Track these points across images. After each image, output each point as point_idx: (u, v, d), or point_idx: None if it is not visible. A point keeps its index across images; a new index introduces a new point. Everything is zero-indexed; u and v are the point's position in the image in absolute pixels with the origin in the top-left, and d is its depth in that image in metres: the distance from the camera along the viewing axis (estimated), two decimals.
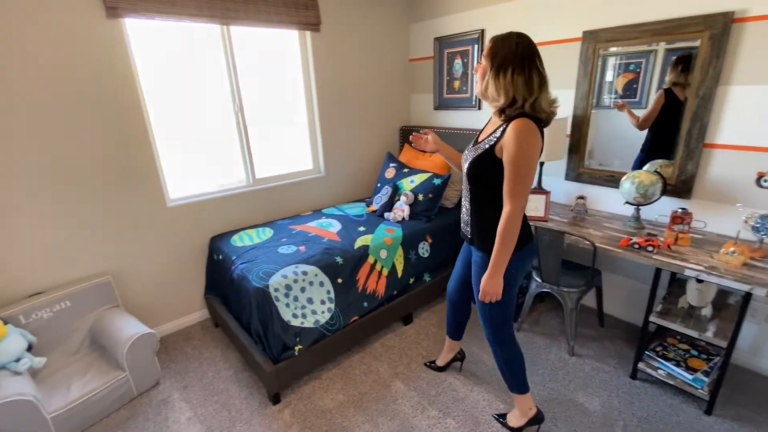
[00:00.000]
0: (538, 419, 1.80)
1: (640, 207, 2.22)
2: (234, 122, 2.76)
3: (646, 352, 2.12)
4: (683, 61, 2.06)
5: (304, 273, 2.14)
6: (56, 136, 2.05)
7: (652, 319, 1.99)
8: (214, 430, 1.90)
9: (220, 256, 2.49)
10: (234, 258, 2.34)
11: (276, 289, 2.03)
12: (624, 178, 2.14)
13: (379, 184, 3.17)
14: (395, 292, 2.54)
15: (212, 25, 2.51)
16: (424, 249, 2.68)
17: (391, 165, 3.19)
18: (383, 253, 2.47)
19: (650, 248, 1.93)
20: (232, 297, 2.32)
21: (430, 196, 2.81)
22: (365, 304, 2.36)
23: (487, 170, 1.40)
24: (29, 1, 1.86)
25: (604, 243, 2.06)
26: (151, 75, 2.35)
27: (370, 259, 2.41)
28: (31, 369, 1.92)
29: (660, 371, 2.02)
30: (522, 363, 1.72)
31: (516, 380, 1.74)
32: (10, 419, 1.64)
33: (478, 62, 1.46)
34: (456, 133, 3.22)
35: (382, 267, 2.46)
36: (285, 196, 3.06)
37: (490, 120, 1.54)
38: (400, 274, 2.54)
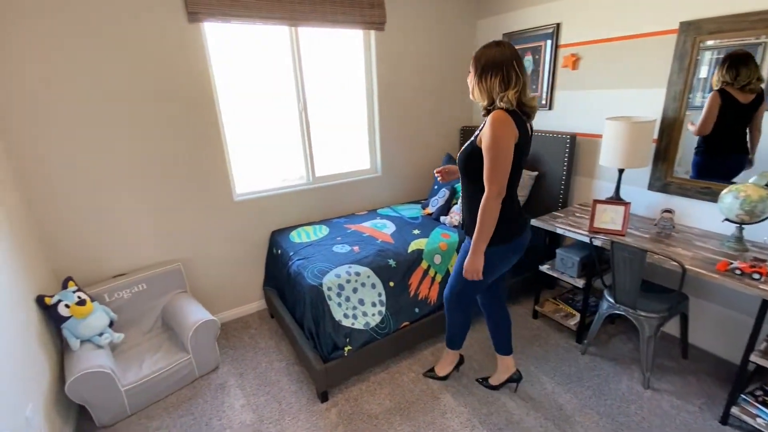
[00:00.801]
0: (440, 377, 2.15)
1: (743, 226, 1.90)
2: (297, 121, 2.83)
3: (742, 396, 1.81)
4: (740, 60, 1.93)
5: (357, 274, 2.13)
6: (146, 134, 2.24)
7: (753, 358, 1.69)
8: (265, 420, 1.96)
9: (279, 251, 2.58)
10: (291, 254, 2.40)
11: (329, 288, 2.04)
12: (725, 191, 1.84)
13: (436, 186, 3.08)
14: None
15: (281, 27, 2.59)
16: None
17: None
18: (437, 259, 2.38)
19: (756, 275, 1.64)
20: (287, 291, 2.39)
21: None
22: (416, 309, 2.30)
23: (472, 161, 1.54)
24: (121, 8, 2.04)
25: (696, 265, 1.79)
26: (222, 75, 2.49)
27: (424, 264, 2.34)
28: (111, 343, 2.12)
29: (759, 419, 1.72)
30: (462, 325, 2.00)
31: (451, 337, 2.07)
32: (90, 388, 1.82)
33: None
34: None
35: (436, 273, 2.38)
36: (342, 194, 3.09)
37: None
38: None
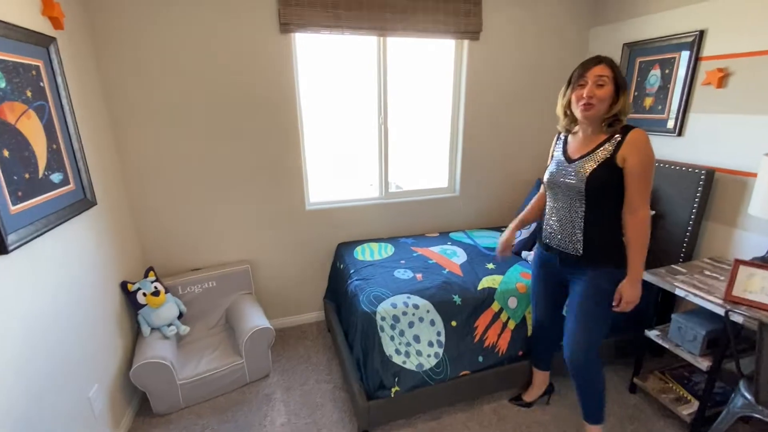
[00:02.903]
0: None
1: None
2: (376, 134, 2.74)
3: None
4: None
5: (415, 306, 1.92)
6: (233, 139, 2.34)
7: None
8: None
9: (342, 266, 2.49)
10: (352, 271, 2.28)
11: (383, 318, 1.87)
12: None
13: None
14: (521, 353, 2.08)
15: (369, 37, 2.53)
16: None
17: None
18: (513, 302, 2.05)
19: None
20: (344, 308, 2.28)
21: None
22: (480, 358, 2.00)
23: (609, 180, 1.45)
24: (218, 20, 2.15)
25: None
26: (305, 84, 2.50)
27: (495, 306, 2.03)
28: (177, 335, 2.24)
29: None
30: (604, 388, 1.71)
31: (596, 406, 1.72)
32: (150, 377, 1.91)
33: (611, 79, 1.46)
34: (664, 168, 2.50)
35: (509, 318, 2.05)
36: (414, 212, 2.91)
37: (565, 138, 1.65)
38: (530, 330, 2.07)
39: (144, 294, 2.10)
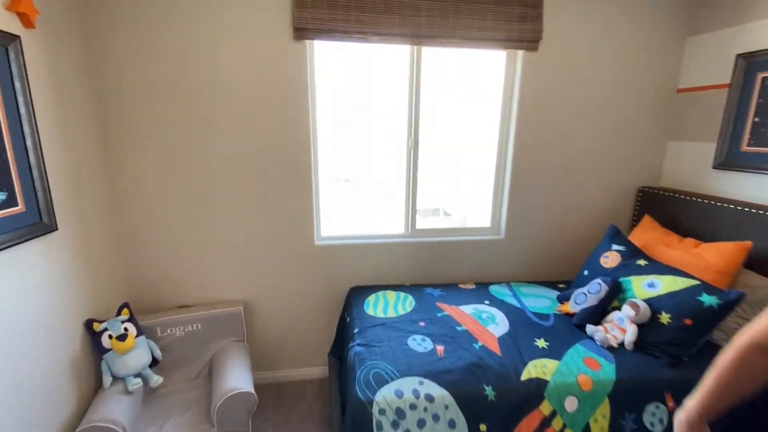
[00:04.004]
0: None
1: None
2: (404, 160, 2.29)
3: None
4: None
5: (429, 399, 1.38)
6: (232, 159, 2.02)
7: None
8: None
9: (349, 318, 2.02)
10: (356, 331, 1.81)
11: (382, 411, 1.36)
12: None
13: (586, 272, 2.08)
14: None
15: (399, 47, 2.13)
16: (657, 418, 1.47)
17: (615, 247, 2.04)
18: (571, 403, 1.44)
19: None
20: (343, 376, 1.79)
21: (688, 322, 1.56)
22: None
23: None
24: (225, 22, 1.87)
25: None
26: (322, 100, 2.13)
27: (545, 408, 1.43)
28: (147, 387, 1.88)
29: None
30: None
31: None
32: None
33: None
34: (759, 214, 1.80)
35: (564, 427, 1.43)
36: (446, 254, 2.38)
37: None
38: None
39: (110, 336, 1.78)
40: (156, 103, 1.89)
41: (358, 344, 1.70)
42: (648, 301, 1.70)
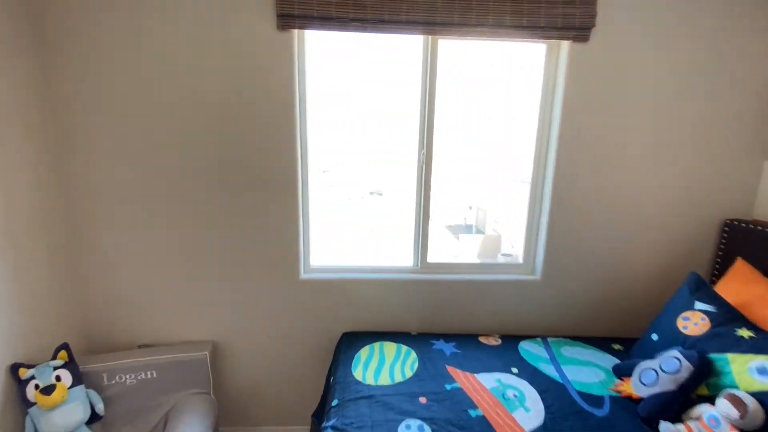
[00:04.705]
0: None
1: None
2: (414, 179, 1.86)
3: None
4: None
5: None
6: (207, 173, 1.68)
7: None
8: None
9: (332, 380, 1.58)
10: (335, 404, 1.36)
11: None
12: None
13: (655, 336, 1.53)
14: None
15: (410, 39, 1.72)
16: None
17: (700, 306, 1.45)
18: None
19: None
20: None
21: None
22: None
23: None
24: (192, 9, 1.54)
25: None
26: (315, 104, 1.76)
27: None
28: None
29: None
30: None
31: None
32: None
33: None
34: None
35: None
36: (464, 297, 1.90)
37: None
38: None
39: (36, 386, 1.45)
40: (111, 109, 1.59)
41: (334, 420, 1.25)
42: (759, 396, 1.14)
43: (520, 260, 1.98)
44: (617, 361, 1.62)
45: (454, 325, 1.90)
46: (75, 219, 1.68)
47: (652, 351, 1.49)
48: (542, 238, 1.88)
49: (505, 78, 1.95)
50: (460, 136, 1.95)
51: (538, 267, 1.91)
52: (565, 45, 1.70)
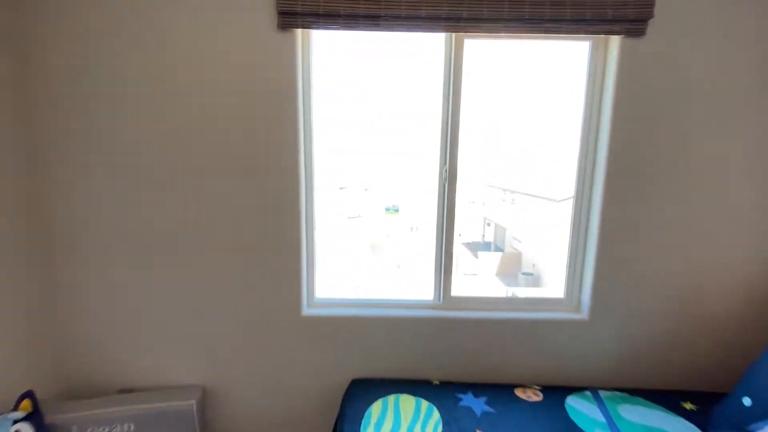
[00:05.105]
0: None
1: None
2: (435, 195, 1.61)
3: None
4: None
5: None
6: (198, 195, 1.47)
7: None
8: None
9: None
10: None
11: None
12: None
13: (747, 399, 1.19)
14: None
15: (431, 38, 1.50)
16: None
17: None
18: None
19: None
20: None
21: None
22: None
23: None
24: (185, 10, 1.36)
25: None
26: (322, 114, 1.54)
27: None
28: None
29: None
30: None
31: None
32: None
33: None
34: None
35: None
36: (497, 340, 1.60)
37: None
38: None
39: None
40: (92, 122, 1.41)
41: None
42: None
43: (563, 296, 1.67)
44: (693, 427, 1.28)
45: (484, 373, 1.60)
46: (48, 251, 1.49)
47: (742, 419, 1.16)
48: (589, 269, 1.57)
49: (536, 83, 1.69)
50: (480, 149, 1.69)
51: (584, 303, 1.60)
52: (616, 41, 1.43)
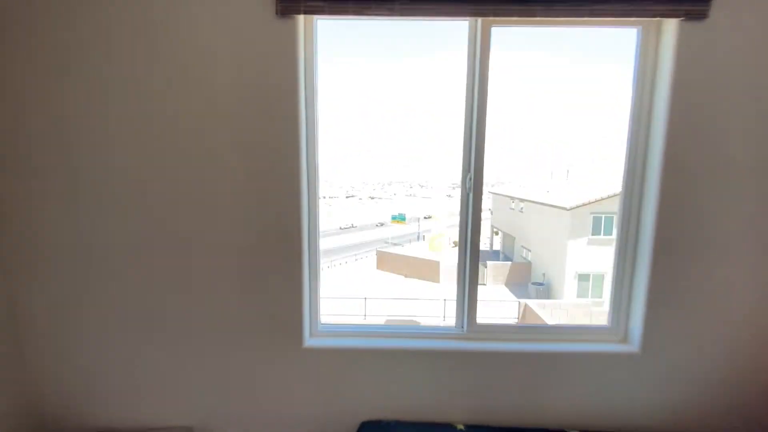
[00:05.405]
0: None
1: None
2: (458, 207, 1.39)
3: None
4: None
5: None
6: (185, 208, 1.28)
7: None
8: None
9: None
10: None
11: None
12: None
13: None
14: None
15: (453, 25, 1.30)
16: None
17: None
18: None
19: None
20: None
21: None
22: None
23: None
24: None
25: None
26: (324, 114, 1.33)
27: None
28: None
29: None
30: None
31: None
32: None
33: None
34: None
35: None
36: (529, 377, 1.36)
37: None
38: None
39: None
40: (64, 130, 1.23)
41: None
42: None
43: (607, 324, 1.44)
44: None
45: (515, 416, 1.36)
46: (13, 277, 1.30)
47: None
48: (641, 290, 1.34)
49: (582, 75, 1.47)
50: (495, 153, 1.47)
51: (634, 333, 1.37)
52: (671, 25, 1.22)
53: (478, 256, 1.40)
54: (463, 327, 1.42)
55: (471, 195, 1.36)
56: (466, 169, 1.37)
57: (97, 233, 1.27)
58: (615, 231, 1.39)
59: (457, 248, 1.46)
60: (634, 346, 1.36)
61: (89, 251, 1.28)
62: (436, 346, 1.37)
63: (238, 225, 1.28)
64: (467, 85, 1.32)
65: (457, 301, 1.44)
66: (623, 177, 1.35)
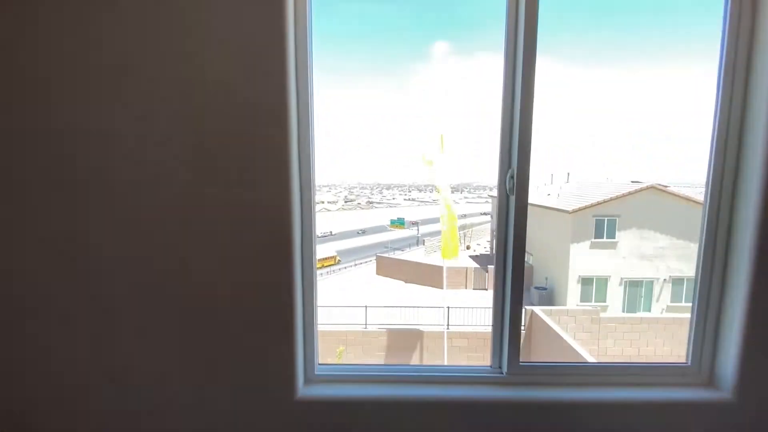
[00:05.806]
0: None
1: None
2: (495, 215, 1.08)
3: None
4: None
5: None
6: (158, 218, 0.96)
7: None
8: None
9: None
10: None
11: None
12: None
13: None
14: None
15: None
16: None
17: None
18: None
19: None
20: None
21: None
22: None
23: None
24: None
25: None
26: (323, 114, 1.03)
27: None
28: None
29: None
30: None
31: None
32: None
33: None
34: None
35: None
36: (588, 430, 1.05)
37: None
38: None
39: None
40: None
41: None
42: None
43: (687, 362, 1.13)
44: None
45: None
46: None
47: None
48: (734, 317, 1.03)
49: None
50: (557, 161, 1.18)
51: (725, 376, 1.06)
52: None
53: (523, 275, 1.09)
54: (501, 367, 1.11)
55: (513, 199, 1.05)
56: (504, 166, 1.06)
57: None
58: (698, 245, 1.08)
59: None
60: (725, 391, 1.05)
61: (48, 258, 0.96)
62: (467, 394, 1.06)
63: (218, 241, 0.96)
64: (506, 56, 1.02)
65: (493, 332, 1.12)
66: (708, 174, 1.05)
